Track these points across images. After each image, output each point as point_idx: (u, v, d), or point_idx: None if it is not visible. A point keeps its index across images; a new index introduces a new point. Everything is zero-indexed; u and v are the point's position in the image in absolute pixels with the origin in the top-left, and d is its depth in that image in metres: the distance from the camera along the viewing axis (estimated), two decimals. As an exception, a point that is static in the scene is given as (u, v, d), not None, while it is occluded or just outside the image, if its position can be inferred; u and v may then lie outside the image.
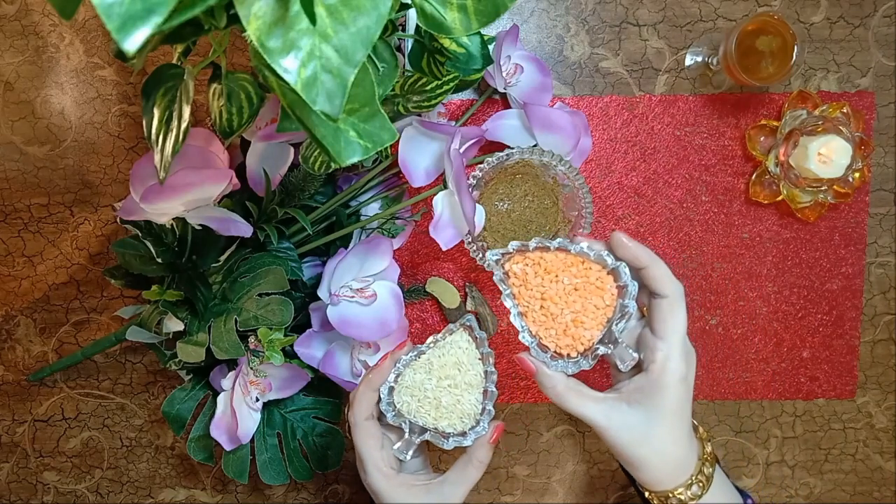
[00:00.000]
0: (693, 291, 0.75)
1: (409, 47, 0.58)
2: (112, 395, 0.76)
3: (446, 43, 0.55)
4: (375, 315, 0.61)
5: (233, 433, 0.61)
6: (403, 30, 0.67)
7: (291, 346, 0.62)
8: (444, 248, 0.60)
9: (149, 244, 0.60)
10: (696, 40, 0.73)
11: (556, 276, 0.50)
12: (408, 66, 0.59)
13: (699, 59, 0.73)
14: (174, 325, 0.61)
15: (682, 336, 0.49)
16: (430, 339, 0.54)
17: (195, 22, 0.38)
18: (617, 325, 0.50)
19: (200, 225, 0.58)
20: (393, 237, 0.69)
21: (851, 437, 0.78)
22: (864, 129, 0.73)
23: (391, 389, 0.54)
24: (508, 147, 0.64)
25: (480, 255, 0.65)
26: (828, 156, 0.67)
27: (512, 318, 0.51)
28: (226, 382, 0.62)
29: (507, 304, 0.51)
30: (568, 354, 0.51)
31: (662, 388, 0.49)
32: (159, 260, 0.60)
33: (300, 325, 0.64)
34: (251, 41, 0.33)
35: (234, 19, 0.36)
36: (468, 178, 0.61)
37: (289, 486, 0.78)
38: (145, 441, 0.77)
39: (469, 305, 0.75)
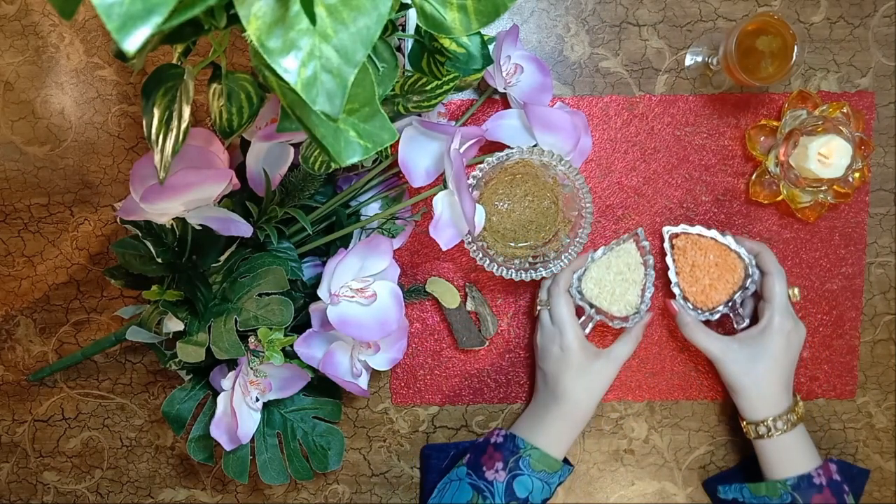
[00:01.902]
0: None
1: (409, 47, 0.58)
2: (112, 395, 0.77)
3: (446, 43, 0.55)
4: (375, 315, 0.61)
5: (233, 433, 0.61)
6: (403, 30, 0.67)
7: (291, 346, 0.62)
8: (444, 248, 0.59)
9: (149, 244, 0.60)
10: (696, 40, 0.73)
11: (706, 252, 0.71)
12: (408, 66, 0.59)
13: (699, 59, 0.73)
14: (174, 325, 0.61)
15: (783, 302, 0.68)
16: (602, 248, 0.71)
17: (195, 22, 0.38)
18: (738, 296, 0.71)
19: (200, 225, 0.58)
20: (393, 237, 0.69)
21: (851, 437, 0.78)
22: (864, 129, 0.73)
23: (580, 279, 0.71)
24: (508, 147, 0.64)
25: (480, 255, 0.65)
26: (828, 156, 0.67)
27: (670, 275, 0.72)
28: (226, 382, 0.62)
29: (669, 264, 0.72)
30: (701, 308, 0.72)
31: (766, 336, 0.68)
32: (159, 260, 0.60)
33: (300, 325, 0.64)
34: (251, 41, 0.33)
35: (234, 19, 0.36)
36: (468, 178, 0.61)
37: (289, 486, 0.78)
38: (145, 441, 0.77)
39: (469, 305, 0.75)
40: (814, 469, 0.67)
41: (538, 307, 0.71)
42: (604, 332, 0.76)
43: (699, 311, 0.72)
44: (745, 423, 0.70)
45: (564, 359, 0.68)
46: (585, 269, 0.71)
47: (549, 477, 0.68)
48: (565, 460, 0.70)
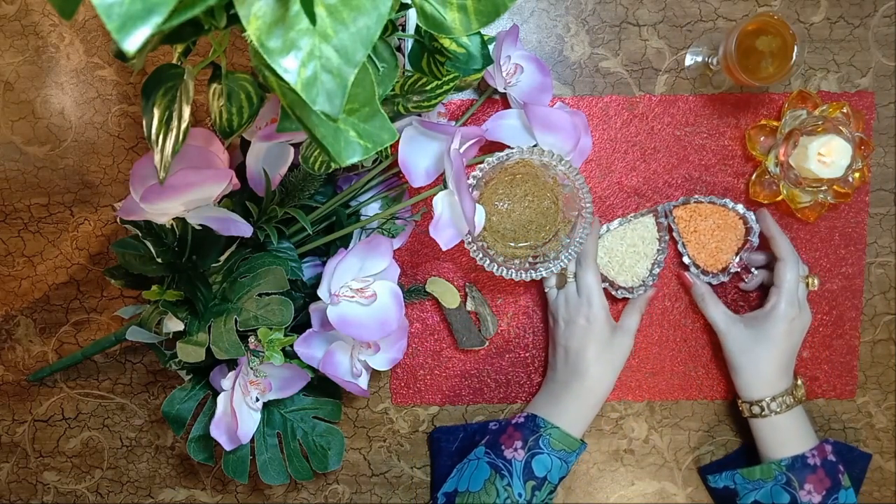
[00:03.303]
0: (688, 293, 0.75)
1: (409, 47, 0.58)
2: (112, 395, 0.77)
3: (446, 43, 0.55)
4: (375, 315, 0.61)
5: (233, 433, 0.61)
6: (403, 30, 0.67)
7: (291, 346, 0.62)
8: (444, 248, 0.59)
9: (149, 244, 0.60)
10: (696, 40, 0.73)
11: (706, 217, 0.74)
12: (408, 66, 0.59)
13: (699, 59, 0.73)
14: (174, 325, 0.61)
15: (791, 289, 0.69)
16: (619, 219, 0.74)
17: (195, 22, 0.38)
18: (744, 252, 0.73)
19: (200, 225, 0.58)
20: (393, 237, 0.69)
21: (851, 437, 0.78)
22: (864, 129, 0.73)
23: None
24: (508, 147, 0.64)
25: (480, 255, 0.65)
26: (828, 156, 0.67)
27: (679, 248, 0.74)
28: (226, 382, 0.62)
29: (675, 236, 0.74)
30: (712, 272, 0.74)
31: (770, 321, 0.69)
32: (159, 260, 0.60)
33: (300, 325, 0.64)
34: (251, 41, 0.33)
35: (234, 19, 0.36)
36: (468, 178, 0.61)
37: (289, 486, 0.78)
38: (145, 441, 0.77)
39: (469, 305, 0.75)
40: (808, 450, 0.68)
41: (565, 279, 0.71)
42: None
43: (711, 275, 0.74)
44: (740, 401, 0.72)
45: (590, 331, 0.69)
46: (599, 237, 0.73)
47: (568, 456, 0.68)
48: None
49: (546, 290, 0.73)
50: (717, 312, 0.72)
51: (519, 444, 0.68)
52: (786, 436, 0.68)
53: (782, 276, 0.69)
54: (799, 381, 0.71)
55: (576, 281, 0.70)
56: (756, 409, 0.69)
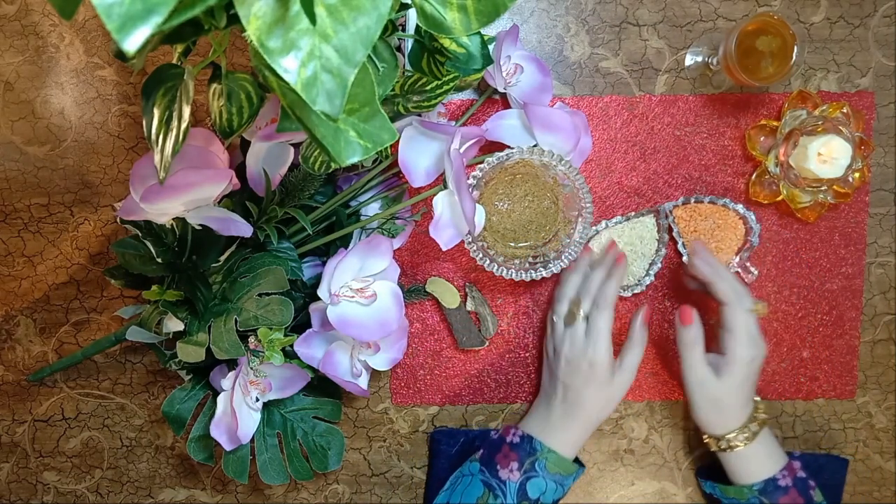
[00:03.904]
0: (693, 291, 0.75)
1: (409, 47, 0.58)
2: (112, 395, 0.77)
3: (446, 43, 0.55)
4: (375, 315, 0.61)
5: (233, 433, 0.61)
6: (403, 30, 0.67)
7: (291, 346, 0.62)
8: (444, 248, 0.59)
9: (149, 244, 0.60)
10: (696, 40, 0.73)
11: (706, 217, 0.74)
12: (408, 66, 0.59)
13: (699, 59, 0.73)
14: (174, 325, 0.61)
15: (743, 330, 0.66)
16: (619, 217, 0.74)
17: (195, 22, 0.38)
18: (745, 252, 0.74)
19: (200, 225, 0.58)
20: (393, 237, 0.69)
21: (851, 437, 0.78)
22: (864, 129, 0.73)
23: (590, 240, 0.74)
24: (508, 147, 0.64)
25: (480, 255, 0.65)
26: (828, 156, 0.67)
27: (679, 248, 0.74)
28: (226, 382, 0.62)
29: (675, 236, 0.74)
30: None
31: (730, 367, 0.66)
32: (159, 260, 0.60)
33: (300, 325, 0.64)
34: (251, 41, 0.33)
35: (234, 19, 0.36)
36: (468, 178, 0.61)
37: (289, 486, 0.78)
38: (145, 441, 0.77)
39: (469, 305, 0.75)
40: (778, 471, 0.67)
41: (575, 317, 0.68)
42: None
43: None
44: (706, 436, 0.70)
45: (592, 374, 0.67)
46: (596, 233, 0.74)
47: (564, 479, 0.68)
48: (576, 460, 0.70)
49: (552, 319, 0.72)
50: (699, 363, 0.67)
51: (515, 465, 0.67)
52: (755, 464, 0.68)
53: (731, 321, 0.66)
54: (758, 402, 0.70)
55: (587, 321, 0.68)
56: (724, 444, 0.68)
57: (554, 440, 0.69)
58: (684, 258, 0.73)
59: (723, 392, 0.67)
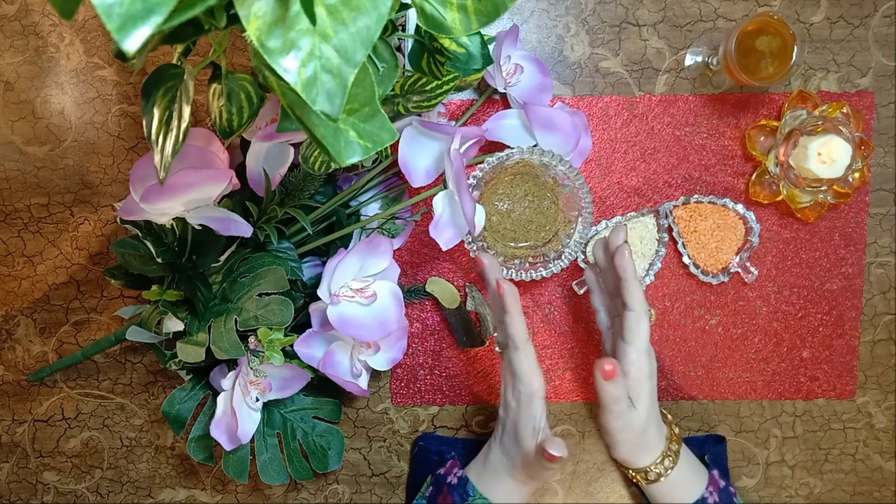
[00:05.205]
0: (693, 291, 0.75)
1: (409, 47, 0.58)
2: (112, 395, 0.77)
3: (446, 43, 0.55)
4: (375, 315, 0.61)
5: (233, 433, 0.61)
6: (403, 30, 0.67)
7: (291, 346, 0.62)
8: (444, 248, 0.59)
9: (149, 244, 0.60)
10: (696, 40, 0.73)
11: (706, 217, 0.73)
12: (408, 66, 0.59)
13: (699, 59, 0.73)
14: (174, 325, 0.61)
15: (645, 342, 0.62)
16: (619, 217, 0.74)
17: (195, 22, 0.38)
18: (745, 251, 0.73)
19: (200, 225, 0.58)
20: (393, 237, 0.69)
21: (851, 437, 0.78)
22: (864, 129, 0.73)
23: (587, 243, 0.73)
24: (508, 147, 0.64)
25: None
26: (828, 156, 0.67)
27: (679, 248, 0.73)
28: (226, 382, 0.62)
29: (675, 236, 0.74)
30: (712, 272, 0.74)
31: (639, 387, 0.63)
32: (159, 260, 0.60)
33: (300, 325, 0.64)
34: (251, 41, 0.33)
35: (234, 19, 0.36)
36: (468, 178, 0.61)
37: (289, 486, 0.78)
38: (145, 441, 0.77)
39: (469, 305, 0.75)
40: (705, 489, 0.66)
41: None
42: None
43: (711, 275, 0.74)
44: (631, 471, 0.68)
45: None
46: (596, 233, 0.73)
47: None
48: None
49: (498, 351, 0.67)
50: (625, 410, 0.63)
51: None
52: (683, 487, 0.66)
53: (635, 330, 0.62)
54: (668, 419, 0.68)
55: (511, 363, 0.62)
56: (653, 475, 0.66)
57: (488, 486, 0.65)
58: (685, 258, 0.73)
59: (641, 419, 0.63)
